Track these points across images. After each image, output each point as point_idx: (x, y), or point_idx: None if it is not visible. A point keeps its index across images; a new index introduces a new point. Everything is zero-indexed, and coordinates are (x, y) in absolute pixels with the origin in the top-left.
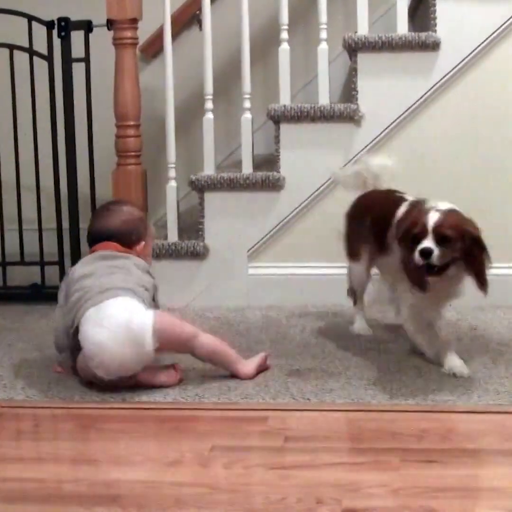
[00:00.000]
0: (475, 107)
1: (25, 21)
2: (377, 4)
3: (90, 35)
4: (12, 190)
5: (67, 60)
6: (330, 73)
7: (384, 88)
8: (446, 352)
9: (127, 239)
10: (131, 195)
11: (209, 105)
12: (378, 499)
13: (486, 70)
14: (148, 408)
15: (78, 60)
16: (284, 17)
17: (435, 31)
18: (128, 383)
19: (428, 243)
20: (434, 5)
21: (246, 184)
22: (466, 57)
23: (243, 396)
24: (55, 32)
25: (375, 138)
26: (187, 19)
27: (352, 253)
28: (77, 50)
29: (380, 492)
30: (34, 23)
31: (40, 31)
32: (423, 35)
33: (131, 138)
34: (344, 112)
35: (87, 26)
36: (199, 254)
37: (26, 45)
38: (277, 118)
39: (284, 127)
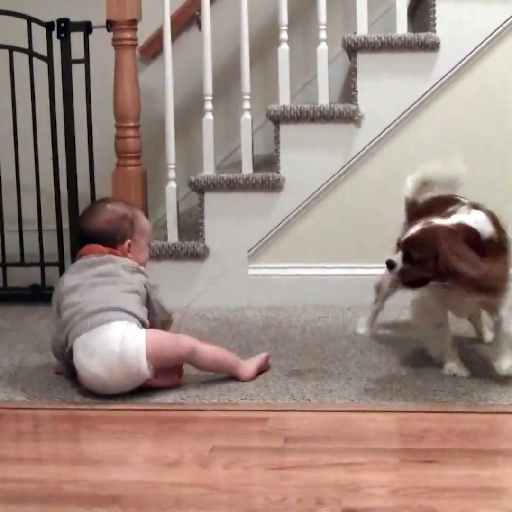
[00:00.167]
0: (475, 107)
1: (24, 22)
2: (377, 4)
3: (90, 36)
4: (12, 190)
5: (67, 61)
6: (329, 73)
7: (384, 88)
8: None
9: (112, 239)
10: (131, 196)
11: (208, 105)
12: (378, 499)
13: (485, 70)
14: (148, 409)
15: (78, 61)
16: (284, 18)
17: (434, 31)
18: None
19: (396, 256)
20: (434, 5)
21: (246, 184)
22: (466, 57)
23: (243, 397)
24: (54, 33)
25: (375, 138)
26: (186, 20)
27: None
28: (77, 51)
29: (380, 492)
30: (33, 24)
31: (39, 32)
32: (422, 35)
33: (131, 139)
34: (344, 112)
35: (86, 27)
36: (199, 255)
37: (26, 46)
38: (277, 119)
39: (284, 128)
